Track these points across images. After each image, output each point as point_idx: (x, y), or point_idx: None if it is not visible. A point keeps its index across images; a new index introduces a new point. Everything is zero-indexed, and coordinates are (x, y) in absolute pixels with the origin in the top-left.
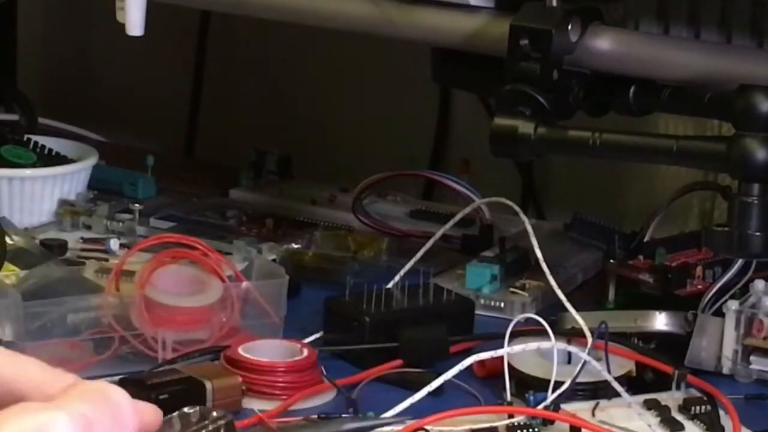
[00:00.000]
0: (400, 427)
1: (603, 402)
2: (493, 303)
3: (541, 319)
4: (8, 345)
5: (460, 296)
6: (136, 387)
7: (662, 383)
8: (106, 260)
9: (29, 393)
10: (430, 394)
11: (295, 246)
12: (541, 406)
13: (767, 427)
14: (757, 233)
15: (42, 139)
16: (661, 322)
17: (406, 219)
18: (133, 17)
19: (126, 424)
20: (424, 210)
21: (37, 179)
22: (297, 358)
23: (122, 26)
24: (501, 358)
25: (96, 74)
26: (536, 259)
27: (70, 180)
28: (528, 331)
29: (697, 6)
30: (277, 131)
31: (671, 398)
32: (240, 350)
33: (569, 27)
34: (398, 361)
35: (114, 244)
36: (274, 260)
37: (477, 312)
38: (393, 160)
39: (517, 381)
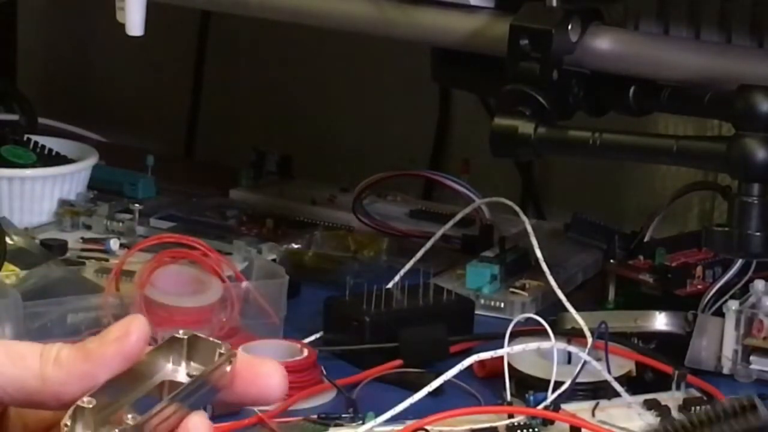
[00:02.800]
0: (400, 427)
1: (603, 402)
2: (493, 303)
3: (541, 319)
4: None
5: (460, 296)
6: None
7: (662, 383)
8: (106, 260)
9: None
10: (430, 394)
11: (295, 246)
12: (541, 406)
13: None
14: (757, 233)
15: (42, 139)
16: (661, 322)
17: (406, 219)
18: (133, 17)
19: None
20: (424, 210)
21: (37, 179)
22: (297, 358)
23: (122, 26)
24: (501, 358)
25: (96, 74)
26: (536, 259)
27: (70, 180)
28: (528, 331)
29: (697, 6)
30: (277, 131)
31: (671, 398)
32: (240, 350)
33: (569, 27)
34: (398, 361)
35: (114, 244)
36: (274, 260)
37: (477, 312)
38: (393, 160)
39: (517, 381)
